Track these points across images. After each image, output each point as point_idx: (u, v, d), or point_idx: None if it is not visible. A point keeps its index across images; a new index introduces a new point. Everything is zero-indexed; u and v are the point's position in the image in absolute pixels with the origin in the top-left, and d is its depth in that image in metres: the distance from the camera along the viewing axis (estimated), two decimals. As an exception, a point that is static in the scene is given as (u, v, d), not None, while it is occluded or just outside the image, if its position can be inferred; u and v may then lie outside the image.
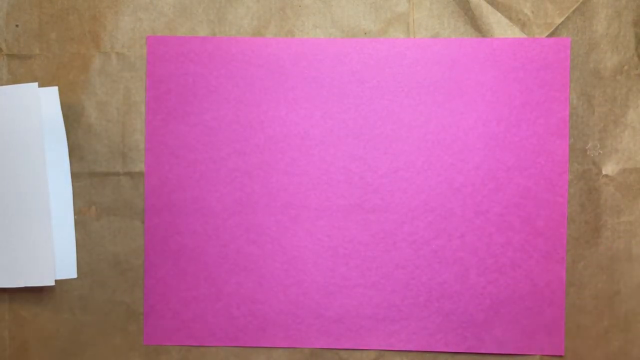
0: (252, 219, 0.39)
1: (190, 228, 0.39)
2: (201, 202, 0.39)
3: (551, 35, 0.38)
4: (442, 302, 0.38)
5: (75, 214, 0.39)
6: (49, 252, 0.38)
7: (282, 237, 0.39)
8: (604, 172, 0.38)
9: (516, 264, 0.38)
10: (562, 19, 0.38)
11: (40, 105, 0.38)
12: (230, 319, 0.39)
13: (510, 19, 0.38)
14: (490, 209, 0.38)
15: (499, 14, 0.38)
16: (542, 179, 0.38)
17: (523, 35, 0.38)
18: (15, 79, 0.39)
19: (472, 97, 0.38)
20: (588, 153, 0.38)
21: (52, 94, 0.38)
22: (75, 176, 0.39)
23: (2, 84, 0.39)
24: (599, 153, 0.38)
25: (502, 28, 0.38)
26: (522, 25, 0.38)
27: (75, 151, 0.39)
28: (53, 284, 0.38)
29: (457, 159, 0.38)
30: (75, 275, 0.39)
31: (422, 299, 0.38)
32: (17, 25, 0.39)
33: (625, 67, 0.38)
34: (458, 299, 0.38)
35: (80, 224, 0.39)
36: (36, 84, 0.38)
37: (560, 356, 0.38)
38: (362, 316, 0.39)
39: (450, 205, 0.38)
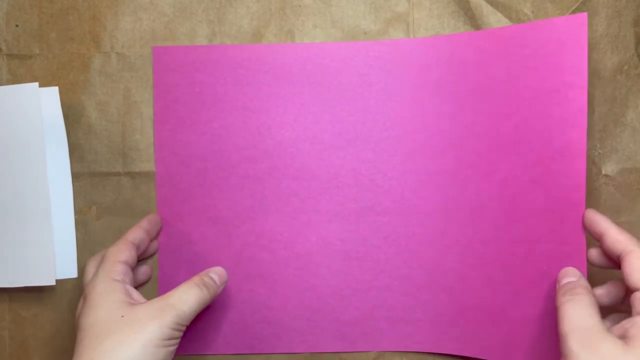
0: (264, 225, 0.39)
1: (202, 237, 0.39)
2: (212, 211, 0.39)
3: (551, 35, 0.38)
4: (454, 303, 0.38)
5: (75, 214, 0.39)
6: (49, 252, 0.38)
7: (295, 243, 0.39)
8: (603, 172, 0.38)
9: (519, 266, 0.38)
10: (562, 19, 0.38)
11: (40, 105, 0.38)
12: (244, 327, 0.39)
13: (510, 19, 0.38)
14: (495, 210, 0.38)
15: (499, 14, 0.38)
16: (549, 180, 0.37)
17: (523, 35, 0.38)
18: (15, 79, 0.39)
19: (483, 95, 0.37)
20: (588, 153, 0.38)
21: (52, 94, 0.38)
22: (75, 176, 0.39)
23: (2, 84, 0.39)
24: (599, 153, 0.38)
25: (502, 28, 0.38)
26: (522, 25, 0.38)
27: (75, 151, 0.39)
28: (53, 283, 0.38)
29: (468, 159, 0.37)
30: (75, 275, 0.39)
31: (440, 300, 0.38)
32: (17, 25, 0.39)
33: (625, 67, 0.38)
34: (464, 301, 0.38)
35: (81, 224, 0.39)
36: (36, 84, 0.38)
37: (560, 356, 0.38)
38: (377, 318, 0.38)
39: (462, 206, 0.38)
